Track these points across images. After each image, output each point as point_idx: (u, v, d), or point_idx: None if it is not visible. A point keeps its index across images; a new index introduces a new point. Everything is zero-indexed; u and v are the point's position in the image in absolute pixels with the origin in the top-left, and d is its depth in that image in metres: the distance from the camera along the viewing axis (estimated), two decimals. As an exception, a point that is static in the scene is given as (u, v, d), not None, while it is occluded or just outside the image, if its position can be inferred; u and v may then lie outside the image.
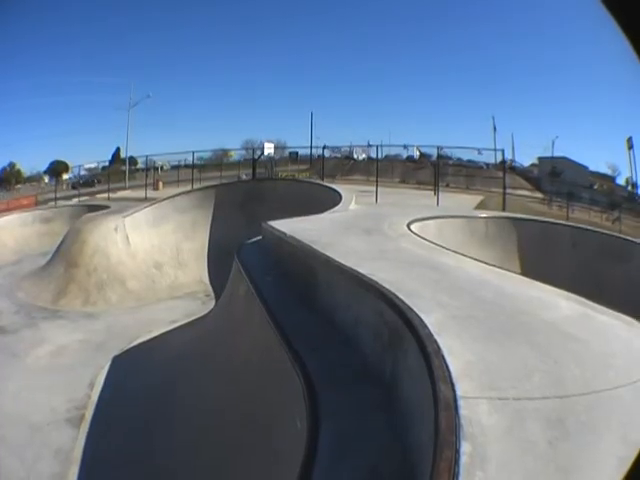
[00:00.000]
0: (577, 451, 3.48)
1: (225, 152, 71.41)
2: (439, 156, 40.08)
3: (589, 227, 19.12)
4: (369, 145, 68.49)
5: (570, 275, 11.32)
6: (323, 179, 35.04)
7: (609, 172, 79.88)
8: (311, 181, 32.67)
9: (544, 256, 14.77)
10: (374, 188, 26.59)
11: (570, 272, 12.48)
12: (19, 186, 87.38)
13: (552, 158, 78.16)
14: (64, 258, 21.11)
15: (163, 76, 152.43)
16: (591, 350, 4.98)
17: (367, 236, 11.32)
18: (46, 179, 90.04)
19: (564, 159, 75.44)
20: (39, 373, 12.84)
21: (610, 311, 6.28)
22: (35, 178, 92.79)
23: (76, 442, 9.83)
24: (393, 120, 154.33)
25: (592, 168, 77.26)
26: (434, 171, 34.68)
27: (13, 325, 16.71)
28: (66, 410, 10.97)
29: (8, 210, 39.80)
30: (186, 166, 55.96)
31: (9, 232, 28.96)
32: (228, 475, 7.20)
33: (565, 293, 6.92)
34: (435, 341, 4.87)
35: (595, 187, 64.65)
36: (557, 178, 64.26)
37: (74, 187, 61.54)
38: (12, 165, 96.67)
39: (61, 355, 14.15)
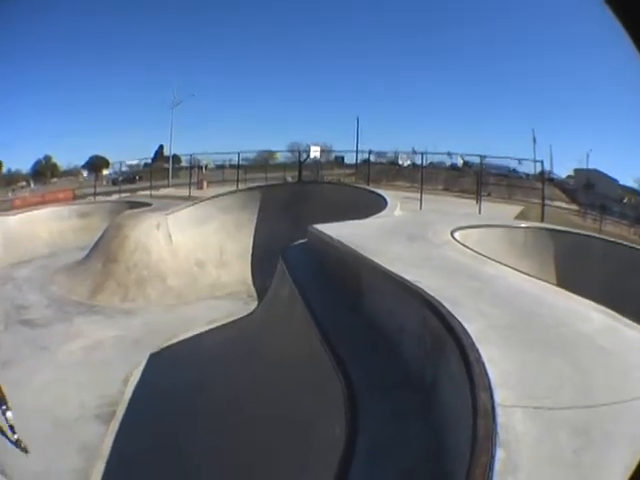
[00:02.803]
0: (597, 459, 3.65)
1: (270, 154, 71.52)
2: (481, 165, 40.18)
3: (620, 241, 19.01)
4: (414, 152, 68.94)
5: (600, 288, 11.30)
6: (369, 184, 35.05)
7: (635, 186, 79.34)
8: (357, 185, 32.64)
9: (577, 268, 14.73)
10: (418, 195, 27.05)
11: (600, 285, 12.43)
12: (55, 179, 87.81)
13: (586, 171, 78.49)
14: (103, 253, 21.41)
15: (209, 75, 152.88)
16: (619, 362, 5.12)
17: (412, 243, 11.45)
18: (84, 174, 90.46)
19: (596, 172, 75.62)
20: (70, 368, 12.93)
21: (637, 325, 6.39)
22: (72, 172, 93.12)
23: (104, 439, 9.90)
24: (436, 128, 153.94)
25: (622, 182, 76.91)
26: (476, 180, 35.07)
27: (44, 319, 16.88)
28: (96, 406, 11.04)
29: (43, 203, 40.26)
30: (231, 166, 56.09)
31: (43, 225, 29.23)
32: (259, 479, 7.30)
33: (597, 306, 7.02)
34: (477, 350, 5.04)
35: (625, 201, 64.05)
36: (591, 191, 64.10)
37: (114, 183, 61.96)
38: (48, 158, 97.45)
39: (95, 350, 14.27)
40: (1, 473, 8.65)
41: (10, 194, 67.99)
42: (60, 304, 18.41)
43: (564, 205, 48.51)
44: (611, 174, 74.83)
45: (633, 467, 3.22)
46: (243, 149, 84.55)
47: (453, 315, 5.94)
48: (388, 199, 20.43)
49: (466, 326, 5.60)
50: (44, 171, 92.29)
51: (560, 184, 69.70)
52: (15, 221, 28.54)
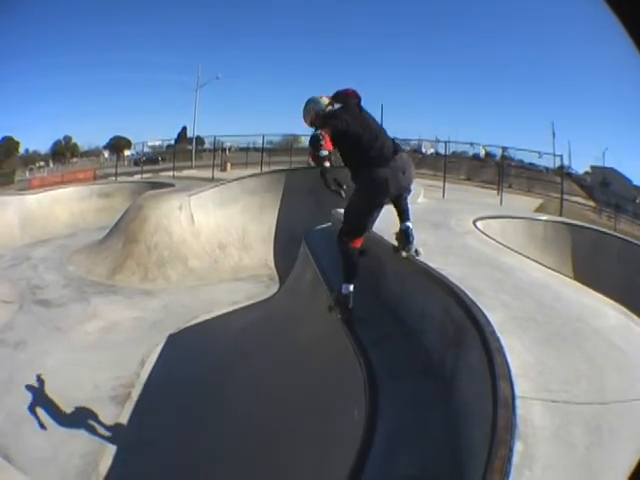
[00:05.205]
0: (607, 457, 3.70)
1: (295, 137, 71.69)
2: (503, 157, 40.54)
3: (635, 241, 19.06)
4: (437, 140, 70.06)
5: (614, 285, 11.30)
6: (392, 171, 35.46)
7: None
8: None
9: (593, 264, 14.91)
10: (441, 183, 27.64)
11: (614, 282, 12.45)
12: (75, 160, 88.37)
13: (603, 168, 79.37)
14: (123, 233, 21.56)
15: (234, 58, 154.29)
16: (630, 360, 5.16)
17: (435, 230, 11.45)
18: (106, 154, 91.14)
19: (612, 170, 76.68)
20: (85, 349, 13.01)
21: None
22: (94, 153, 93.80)
23: (117, 421, 9.93)
24: (458, 116, 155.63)
25: (635, 182, 77.09)
26: (498, 171, 35.60)
27: (60, 299, 17.00)
28: (111, 388, 11.04)
29: (62, 183, 40.56)
30: (255, 149, 56.42)
31: (63, 205, 29.64)
32: (276, 464, 7.34)
33: (612, 303, 7.02)
34: (498, 339, 5.08)
35: (637, 201, 64.11)
36: (606, 188, 64.52)
37: (136, 164, 62.48)
38: (67, 138, 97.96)
39: (112, 331, 14.36)
40: (5, 458, 8.63)
41: (27, 174, 68.61)
42: (77, 284, 18.55)
43: (581, 201, 48.92)
44: (624, 173, 75.54)
45: (633, 466, 3.24)
46: (268, 132, 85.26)
47: (476, 304, 5.98)
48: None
49: (488, 315, 5.64)
50: (63, 151, 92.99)
51: (577, 180, 70.35)
52: (34, 200, 28.82)
